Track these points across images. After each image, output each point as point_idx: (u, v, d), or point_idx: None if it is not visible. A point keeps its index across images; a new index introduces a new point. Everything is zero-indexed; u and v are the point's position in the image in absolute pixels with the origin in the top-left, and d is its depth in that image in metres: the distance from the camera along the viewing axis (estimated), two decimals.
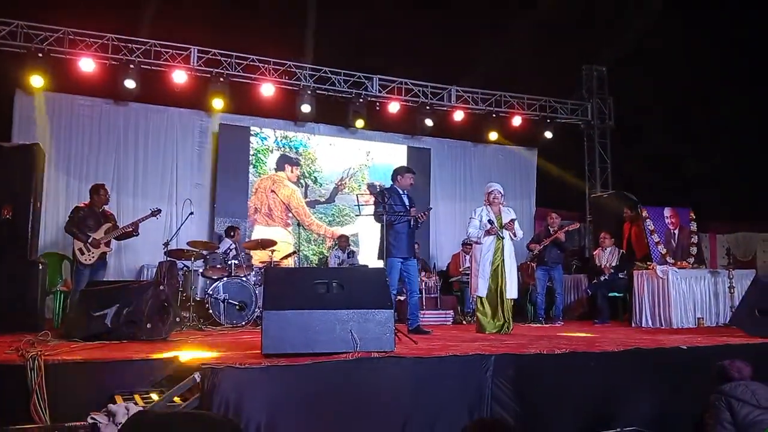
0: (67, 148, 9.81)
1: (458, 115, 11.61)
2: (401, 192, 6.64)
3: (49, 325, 6.78)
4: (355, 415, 3.68)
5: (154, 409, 3.26)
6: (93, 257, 6.99)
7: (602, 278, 8.98)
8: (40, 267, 6.67)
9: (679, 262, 8.29)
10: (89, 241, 6.95)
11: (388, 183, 6.96)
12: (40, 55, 8.99)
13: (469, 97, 11.68)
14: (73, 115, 9.91)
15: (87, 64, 9.29)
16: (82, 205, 7.28)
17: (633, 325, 8.06)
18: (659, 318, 7.86)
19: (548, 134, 12.00)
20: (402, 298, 7.74)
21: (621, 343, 5.01)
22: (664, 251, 8.36)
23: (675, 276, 7.90)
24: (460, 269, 10.22)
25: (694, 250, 8.62)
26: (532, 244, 9.03)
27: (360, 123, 10.91)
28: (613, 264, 9.01)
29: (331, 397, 3.66)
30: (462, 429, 2.67)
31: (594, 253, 9.63)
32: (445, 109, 11.60)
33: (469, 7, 11.11)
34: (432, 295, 9.62)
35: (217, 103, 10.01)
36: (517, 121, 11.87)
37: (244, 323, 7.50)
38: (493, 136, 11.91)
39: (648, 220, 8.51)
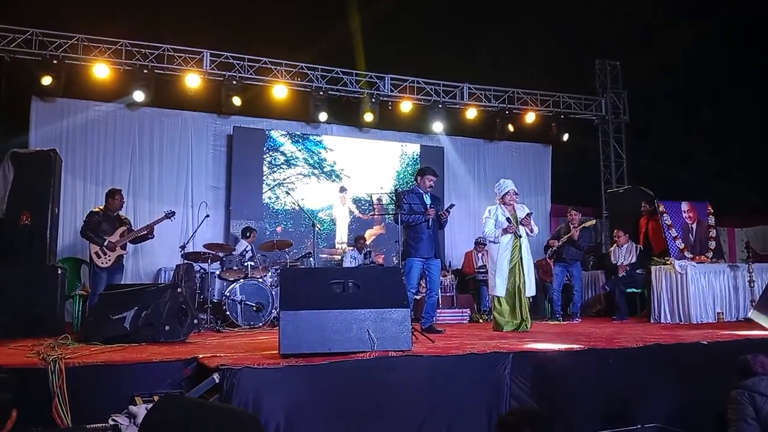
0: (83, 153, 9.90)
1: (471, 113, 11.58)
2: (422, 193, 6.61)
3: (69, 328, 6.85)
4: (373, 414, 3.68)
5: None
6: (109, 260, 7.07)
7: (620, 274, 8.92)
8: (59, 272, 6.74)
9: (697, 257, 8.19)
10: (105, 244, 7.03)
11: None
12: (55, 61, 9.09)
13: (481, 94, 11.64)
14: (88, 120, 9.99)
15: (101, 70, 9.38)
16: (97, 209, 7.37)
17: (652, 321, 7.97)
18: (678, 313, 7.77)
19: (562, 135, 11.93)
20: (418, 297, 7.73)
21: (640, 339, 4.96)
22: (682, 246, 8.27)
23: (694, 271, 7.81)
24: (475, 267, 10.20)
25: (712, 244, 8.52)
26: (551, 241, 8.98)
27: (369, 117, 10.89)
28: (632, 261, 8.93)
29: (349, 396, 3.66)
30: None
31: (610, 249, 9.55)
32: (457, 107, 11.58)
33: (480, 4, 11.08)
34: (448, 294, 9.61)
35: (236, 100, 10.04)
36: (530, 117, 11.82)
37: (261, 324, 7.53)
38: (507, 133, 11.85)
39: (665, 214, 8.43)
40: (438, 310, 7.99)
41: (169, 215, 7.47)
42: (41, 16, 9.17)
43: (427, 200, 6.56)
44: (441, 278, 8.75)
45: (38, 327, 5.99)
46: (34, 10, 9.12)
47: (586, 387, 4.22)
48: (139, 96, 9.57)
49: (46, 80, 9.06)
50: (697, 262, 8.02)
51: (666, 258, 8.18)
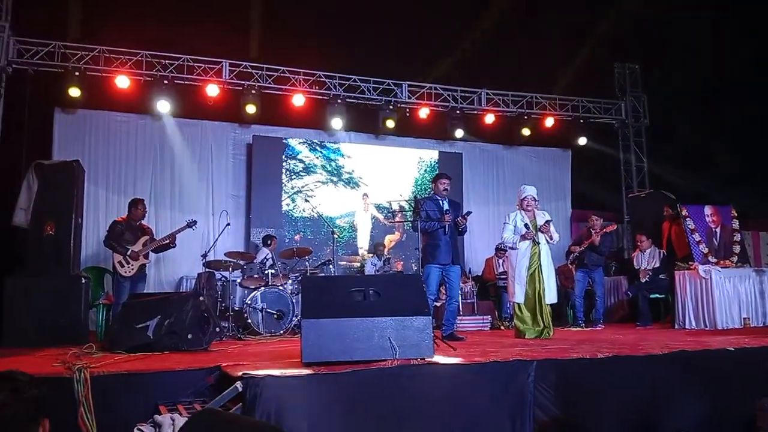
0: (105, 163, 10.03)
1: (489, 118, 11.54)
2: (439, 199, 6.60)
3: (93, 337, 6.92)
4: (395, 423, 3.66)
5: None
6: (132, 269, 7.15)
7: (642, 279, 8.82)
8: (83, 281, 6.82)
9: (721, 261, 8.08)
10: (128, 253, 7.11)
11: None
12: (77, 73, 9.21)
13: (499, 99, 11.60)
14: (110, 131, 10.14)
15: (122, 81, 9.50)
16: (120, 219, 7.47)
17: (676, 327, 7.89)
18: (703, 319, 7.67)
19: (582, 140, 11.82)
20: (438, 304, 7.70)
21: (665, 346, 4.89)
22: (706, 250, 8.16)
23: (718, 275, 7.70)
24: (495, 274, 10.14)
25: (737, 248, 8.39)
26: (573, 246, 8.92)
27: (391, 124, 10.88)
28: (655, 266, 8.83)
29: (371, 404, 3.64)
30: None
31: (633, 255, 9.45)
32: (475, 112, 11.55)
33: (497, 8, 11.04)
34: (468, 301, 9.56)
35: (250, 108, 10.07)
36: (549, 122, 11.75)
37: (282, 332, 7.55)
38: (526, 138, 11.79)
39: (688, 218, 8.33)
40: (458, 317, 7.96)
41: (191, 224, 7.54)
42: (63, 29, 9.31)
43: (445, 206, 6.55)
44: (461, 285, 8.73)
45: (63, 336, 6.08)
46: (57, 24, 9.25)
47: (612, 395, 4.16)
48: (164, 107, 9.67)
49: (74, 92, 9.15)
50: (721, 267, 7.91)
51: (690, 263, 8.08)
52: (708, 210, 8.50)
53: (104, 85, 9.59)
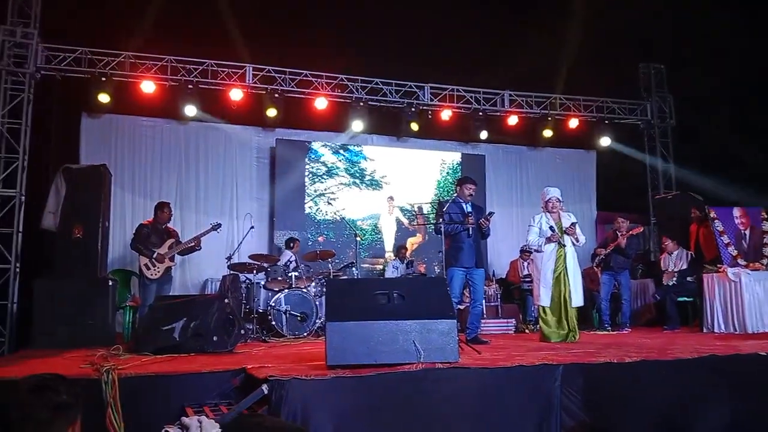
0: (132, 167, 10.16)
1: (512, 120, 11.45)
2: (462, 202, 6.58)
3: (120, 339, 7.00)
4: (420, 426, 3.64)
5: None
6: (158, 272, 7.23)
7: (670, 282, 8.69)
8: (110, 283, 6.90)
9: (751, 264, 7.94)
10: (154, 256, 7.19)
11: None
12: (104, 79, 9.33)
13: (523, 101, 11.51)
14: (136, 135, 10.27)
15: (148, 86, 9.61)
16: (146, 222, 7.56)
17: (704, 330, 7.76)
18: (732, 323, 7.54)
19: (605, 141, 11.67)
20: (461, 307, 7.67)
21: (694, 350, 4.81)
22: (735, 253, 8.02)
23: (748, 278, 7.57)
24: (520, 276, 10.07)
25: (767, 251, 8.24)
26: (598, 249, 8.82)
27: (414, 126, 10.86)
28: (683, 268, 8.70)
29: (396, 408, 3.63)
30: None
31: (660, 257, 9.32)
32: (498, 114, 11.47)
33: (519, 9, 10.97)
34: (492, 304, 9.49)
35: (272, 112, 10.10)
36: (573, 123, 11.62)
37: (305, 334, 7.57)
38: (549, 139, 11.69)
39: (716, 220, 8.20)
40: (482, 320, 7.91)
41: (216, 227, 7.61)
42: (90, 35, 9.44)
43: (468, 209, 6.53)
44: (485, 288, 8.67)
45: (91, 338, 6.16)
46: (84, 30, 9.39)
47: (640, 400, 4.10)
48: (191, 111, 9.76)
49: (104, 98, 9.24)
50: (751, 270, 7.77)
51: (718, 265, 7.95)
52: (737, 212, 8.36)
53: (130, 89, 9.70)
